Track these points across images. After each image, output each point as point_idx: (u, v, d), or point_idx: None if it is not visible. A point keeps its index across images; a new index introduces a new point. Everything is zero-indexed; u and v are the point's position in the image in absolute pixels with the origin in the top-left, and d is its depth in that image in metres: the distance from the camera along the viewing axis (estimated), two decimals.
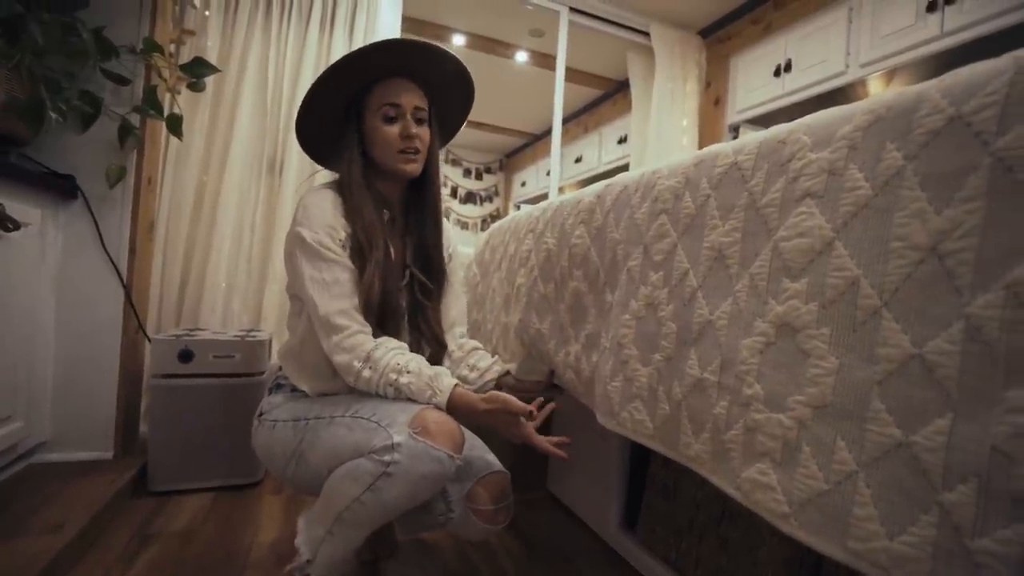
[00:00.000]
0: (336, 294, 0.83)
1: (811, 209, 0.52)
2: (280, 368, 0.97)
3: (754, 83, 2.46)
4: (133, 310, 1.45)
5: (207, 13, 1.79)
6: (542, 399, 0.89)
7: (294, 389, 0.93)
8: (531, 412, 0.82)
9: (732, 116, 2.60)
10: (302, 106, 0.92)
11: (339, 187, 0.92)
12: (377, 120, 0.91)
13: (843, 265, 0.47)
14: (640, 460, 1.19)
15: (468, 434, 0.96)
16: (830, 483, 0.44)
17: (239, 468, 1.44)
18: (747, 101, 2.50)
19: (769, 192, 0.58)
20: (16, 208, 1.16)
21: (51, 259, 1.34)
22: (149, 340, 1.49)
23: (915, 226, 0.43)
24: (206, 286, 1.76)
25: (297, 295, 0.91)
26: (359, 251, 0.87)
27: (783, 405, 0.49)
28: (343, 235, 0.86)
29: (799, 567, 0.77)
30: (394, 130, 0.90)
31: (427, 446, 0.72)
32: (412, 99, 0.92)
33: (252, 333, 1.56)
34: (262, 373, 1.47)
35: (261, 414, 0.92)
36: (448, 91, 0.99)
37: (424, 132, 0.93)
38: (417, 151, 0.92)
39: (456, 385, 0.83)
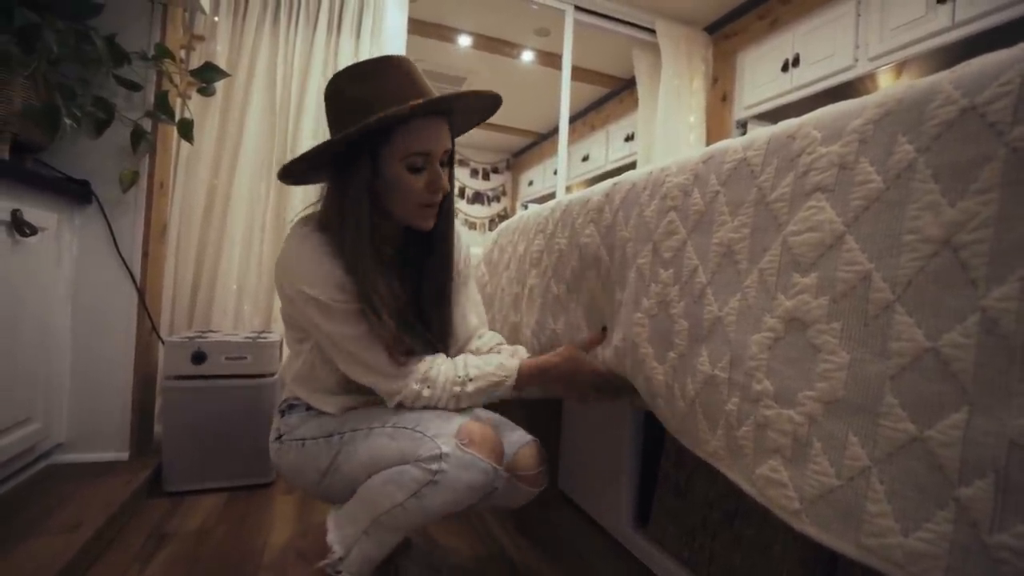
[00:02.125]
0: (368, 345, 0.81)
1: (821, 203, 0.51)
2: (289, 390, 0.96)
3: (761, 78, 2.45)
4: (147, 313, 1.47)
5: (216, 19, 1.81)
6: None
7: (309, 408, 0.93)
8: (603, 329, 0.88)
9: (740, 112, 2.58)
10: (302, 159, 0.81)
11: (328, 231, 0.82)
12: (400, 168, 0.80)
13: (854, 259, 0.47)
14: (651, 458, 1.19)
15: (489, 413, 1.00)
16: (842, 479, 0.44)
17: (252, 469, 1.45)
18: (755, 97, 2.49)
19: (779, 187, 0.57)
20: (33, 213, 1.18)
21: (67, 263, 1.36)
22: (162, 342, 1.51)
23: (928, 218, 0.43)
24: (217, 288, 1.78)
25: (303, 328, 0.88)
26: (367, 298, 0.80)
27: (793, 401, 0.49)
28: (350, 289, 0.80)
29: (814, 565, 0.77)
30: (420, 181, 0.80)
31: (474, 457, 0.75)
32: (443, 142, 0.82)
33: (263, 335, 1.57)
34: (273, 374, 1.49)
35: (280, 436, 0.92)
36: (472, 111, 0.91)
37: (447, 175, 0.85)
38: (438, 203, 0.84)
39: (520, 360, 0.90)
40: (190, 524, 1.24)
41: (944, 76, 0.45)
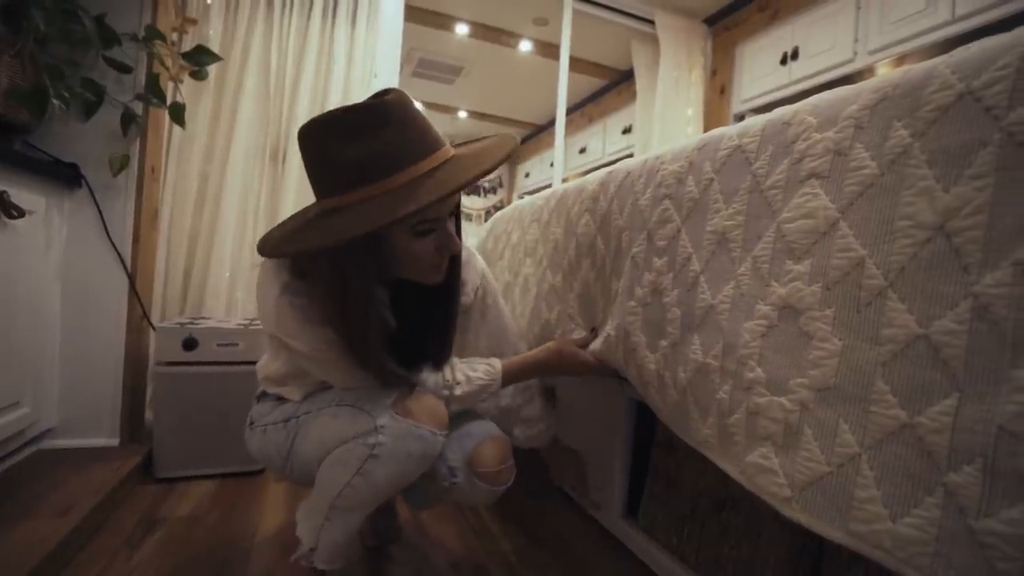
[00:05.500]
0: (355, 375, 0.79)
1: (815, 190, 0.51)
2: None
3: (760, 71, 2.43)
4: (137, 298, 1.45)
5: (209, 1, 1.78)
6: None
7: (280, 397, 0.92)
8: (593, 330, 0.89)
9: (738, 105, 2.57)
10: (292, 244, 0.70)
11: (310, 285, 0.73)
12: (405, 237, 0.70)
13: (848, 246, 0.47)
14: (642, 449, 1.19)
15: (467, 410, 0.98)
16: (832, 466, 0.44)
17: (243, 456, 1.44)
18: (753, 90, 2.48)
19: (773, 174, 0.57)
20: (20, 196, 1.16)
21: (56, 247, 1.34)
22: (153, 328, 1.50)
23: (922, 205, 0.42)
24: (210, 275, 1.76)
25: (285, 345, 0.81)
26: (359, 353, 0.75)
27: (785, 388, 0.49)
28: (337, 341, 0.74)
29: (800, 553, 0.77)
30: (428, 245, 0.72)
31: (410, 425, 0.73)
32: (451, 203, 0.73)
33: (256, 322, 1.56)
34: None
35: (252, 423, 0.93)
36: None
37: (453, 223, 0.78)
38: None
39: (503, 362, 0.90)
40: (181, 510, 1.23)
41: (942, 60, 0.44)
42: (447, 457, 0.86)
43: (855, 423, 0.43)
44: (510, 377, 0.90)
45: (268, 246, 0.72)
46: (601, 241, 0.89)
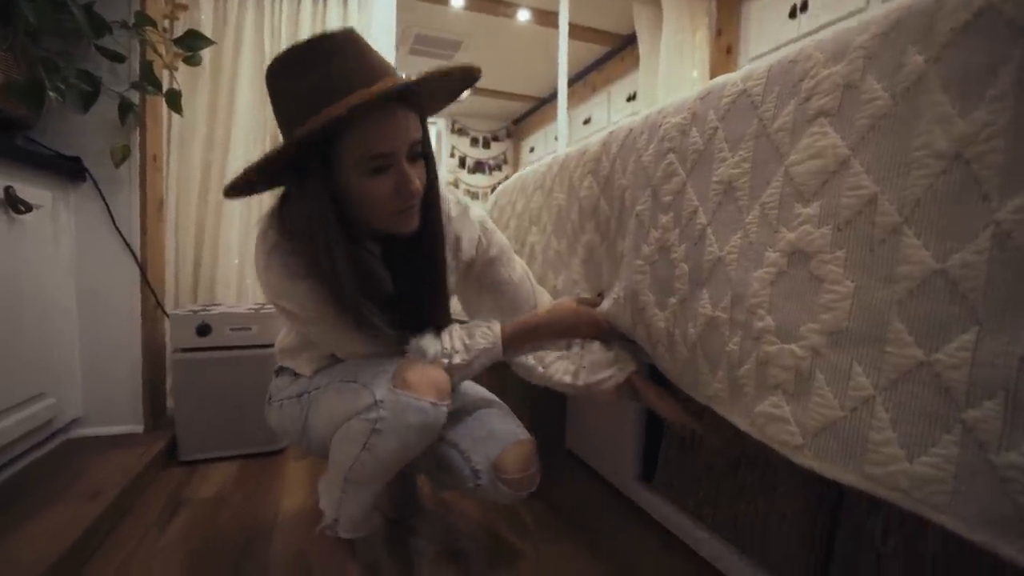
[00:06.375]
0: (350, 339, 0.79)
1: (824, 128, 0.49)
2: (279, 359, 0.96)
3: (768, 27, 2.34)
4: (149, 288, 1.47)
5: None
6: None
7: (295, 372, 0.93)
8: (600, 294, 0.85)
9: (745, 64, 2.49)
10: (245, 176, 0.68)
11: (297, 240, 0.73)
12: (356, 176, 0.67)
13: (859, 183, 0.44)
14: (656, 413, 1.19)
15: (489, 399, 0.96)
16: (845, 410, 0.42)
17: (262, 436, 1.47)
18: (761, 47, 2.39)
19: (780, 116, 0.54)
20: (26, 191, 1.17)
21: (66, 241, 1.36)
22: (167, 316, 1.52)
23: (938, 133, 0.40)
24: (219, 262, 1.78)
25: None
26: (346, 310, 0.74)
27: (795, 335, 0.47)
28: (326, 298, 0.74)
29: (817, 506, 0.77)
30: (385, 185, 0.67)
31: (409, 398, 0.71)
32: (407, 136, 0.68)
33: (267, 306, 1.57)
34: None
35: (270, 398, 0.94)
36: (443, 88, 0.76)
37: (422, 169, 0.72)
38: (415, 204, 0.72)
39: (501, 325, 0.85)
40: (205, 491, 1.27)
41: None
42: (472, 459, 0.85)
43: (869, 365, 0.41)
44: (516, 341, 0.85)
45: (230, 188, 0.72)
46: (605, 203, 0.87)
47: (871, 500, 0.42)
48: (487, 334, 0.84)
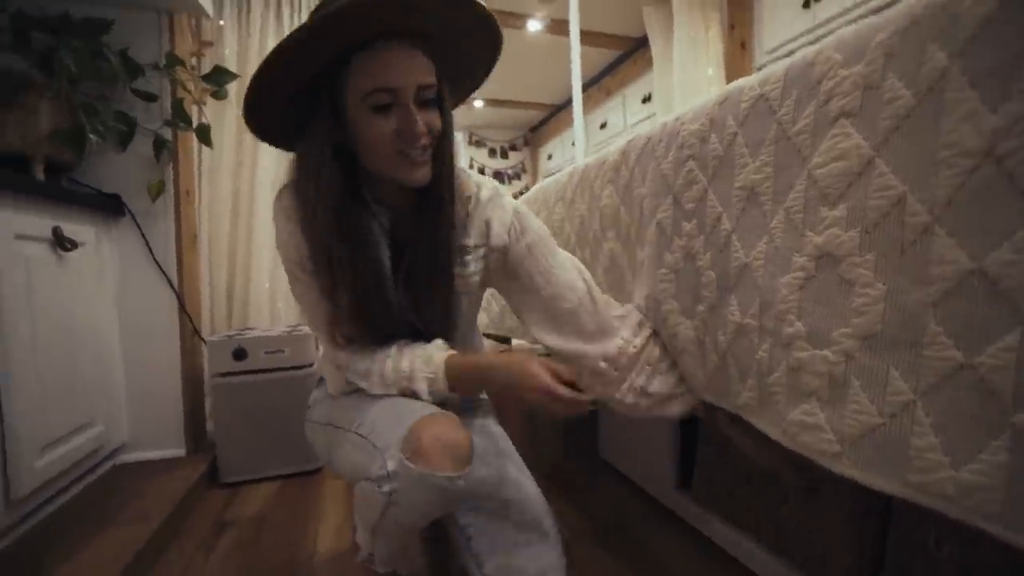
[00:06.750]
0: (316, 317, 0.75)
1: (846, 129, 0.48)
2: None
3: (782, 18, 2.30)
4: (187, 316, 1.53)
5: (221, 23, 1.83)
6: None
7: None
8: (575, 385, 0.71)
9: (761, 58, 2.45)
10: (247, 102, 0.67)
11: (298, 193, 0.70)
12: (362, 111, 0.65)
13: (886, 184, 0.44)
14: (692, 418, 1.17)
15: (499, 454, 0.80)
16: (884, 416, 0.41)
17: (299, 457, 1.51)
18: (775, 40, 2.35)
19: (800, 119, 0.54)
20: (72, 229, 1.24)
21: (108, 274, 1.43)
22: (204, 342, 1.57)
23: (967, 130, 0.39)
24: (251, 288, 1.84)
25: None
26: (326, 270, 0.70)
27: (827, 340, 0.46)
28: (304, 255, 0.71)
29: (865, 514, 0.74)
30: (388, 125, 0.65)
31: (422, 473, 0.62)
32: (413, 74, 0.65)
33: (298, 328, 1.62)
34: (311, 365, 1.53)
35: (309, 407, 0.92)
36: (460, 39, 0.71)
37: (434, 118, 0.68)
38: (425, 149, 0.68)
39: (449, 355, 0.73)
40: (248, 511, 1.30)
41: None
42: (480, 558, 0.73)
43: (907, 369, 0.40)
44: (454, 377, 0.72)
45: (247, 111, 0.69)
46: (624, 211, 0.87)
47: (922, 511, 0.41)
48: (430, 362, 0.73)
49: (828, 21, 2.08)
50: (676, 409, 0.77)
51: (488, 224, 0.78)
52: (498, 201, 0.79)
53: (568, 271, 0.79)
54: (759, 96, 0.60)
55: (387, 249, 0.73)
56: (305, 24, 0.61)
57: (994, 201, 0.37)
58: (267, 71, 0.64)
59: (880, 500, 0.72)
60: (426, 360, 0.73)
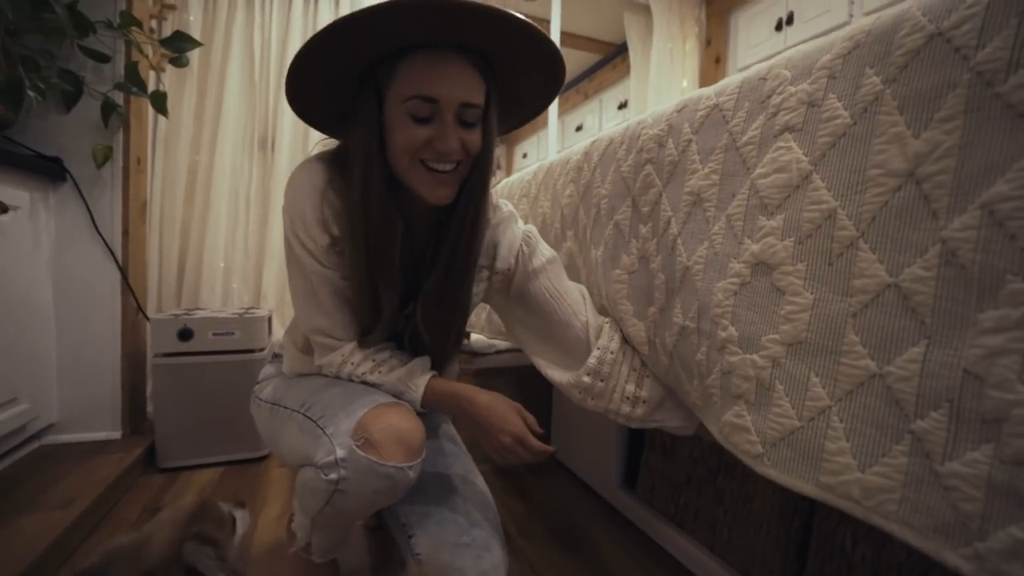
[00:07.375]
0: (311, 305, 0.73)
1: (789, 143, 0.50)
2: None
3: (755, 38, 2.38)
4: (131, 291, 1.45)
5: None
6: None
7: (276, 356, 0.92)
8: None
9: (733, 74, 2.52)
10: (290, 78, 0.66)
11: (338, 161, 0.69)
12: (400, 114, 0.63)
13: (820, 198, 0.46)
14: None
15: (462, 474, 0.82)
16: (803, 420, 0.43)
17: (244, 443, 1.46)
18: (748, 58, 2.42)
19: (748, 130, 0.56)
20: (3, 191, 1.16)
21: (44, 243, 1.34)
22: (148, 320, 1.50)
23: (893, 152, 0.41)
24: (204, 267, 1.76)
25: None
26: (346, 255, 0.69)
27: (757, 345, 0.48)
28: (327, 237, 0.69)
29: (791, 516, 0.78)
30: (421, 134, 0.63)
31: (371, 462, 0.62)
32: (458, 89, 0.62)
33: (251, 311, 1.57)
34: (262, 349, 1.48)
35: (258, 383, 0.91)
36: (519, 69, 0.67)
37: (472, 137, 0.65)
38: (456, 167, 0.65)
39: (432, 376, 0.73)
40: (184, 499, 1.25)
41: (915, 2, 0.43)
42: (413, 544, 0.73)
43: (825, 376, 0.42)
44: (432, 401, 0.73)
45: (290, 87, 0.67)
46: (583, 211, 0.88)
47: (841, 513, 0.43)
48: (410, 382, 0.73)
49: (797, 45, 2.15)
50: (678, 423, 0.73)
51: (496, 247, 0.78)
52: (508, 225, 0.79)
53: (573, 296, 0.80)
54: (714, 106, 0.62)
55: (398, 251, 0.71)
56: (351, 16, 0.59)
57: (912, 220, 0.39)
58: (313, 47, 0.61)
59: (804, 502, 0.76)
60: (409, 373, 0.73)
